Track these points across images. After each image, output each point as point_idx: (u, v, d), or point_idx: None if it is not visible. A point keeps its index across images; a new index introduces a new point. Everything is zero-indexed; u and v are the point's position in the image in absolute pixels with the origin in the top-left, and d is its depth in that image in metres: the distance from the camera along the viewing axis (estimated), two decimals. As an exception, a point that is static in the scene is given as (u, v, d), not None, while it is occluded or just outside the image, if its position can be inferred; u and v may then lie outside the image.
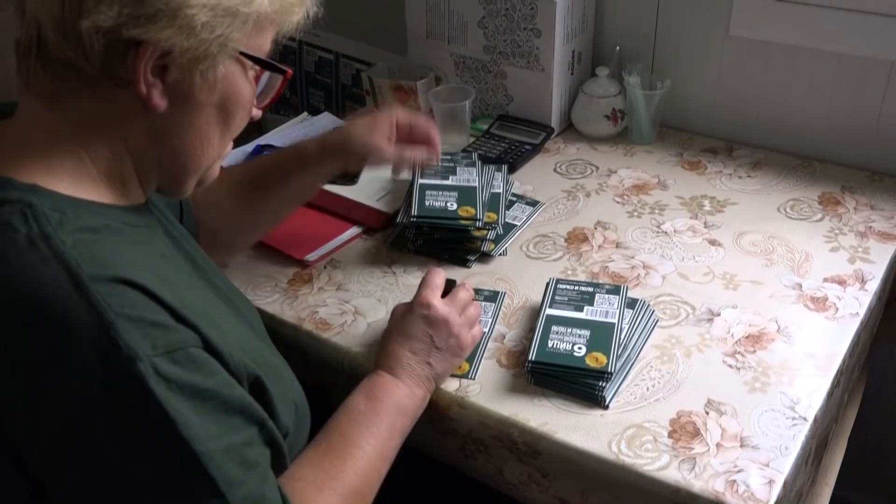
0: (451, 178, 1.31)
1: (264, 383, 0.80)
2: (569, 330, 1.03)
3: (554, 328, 1.03)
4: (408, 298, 1.15)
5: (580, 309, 1.06)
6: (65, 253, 0.67)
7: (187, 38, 0.70)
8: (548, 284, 1.11)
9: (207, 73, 0.74)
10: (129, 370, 0.65)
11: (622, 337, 1.02)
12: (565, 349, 1.00)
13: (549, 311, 1.06)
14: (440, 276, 1.04)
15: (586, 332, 1.02)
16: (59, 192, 0.72)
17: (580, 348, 0.99)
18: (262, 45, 0.79)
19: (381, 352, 1.01)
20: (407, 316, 1.01)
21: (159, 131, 0.77)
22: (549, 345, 1.00)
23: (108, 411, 0.67)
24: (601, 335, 1.01)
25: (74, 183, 0.74)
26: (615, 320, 1.03)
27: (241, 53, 0.76)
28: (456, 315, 1.00)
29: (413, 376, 0.98)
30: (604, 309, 1.05)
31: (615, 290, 1.09)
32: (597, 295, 1.08)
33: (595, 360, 0.98)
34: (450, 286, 1.06)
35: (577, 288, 1.10)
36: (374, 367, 1.00)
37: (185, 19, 0.69)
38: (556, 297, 1.08)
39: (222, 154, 0.85)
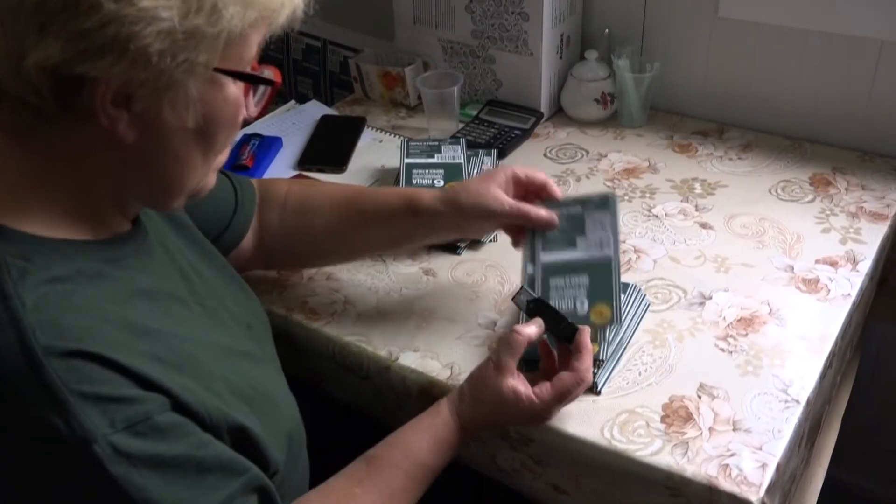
0: (436, 156, 1.31)
1: (249, 431, 0.75)
2: (567, 279, 0.98)
3: (552, 281, 0.98)
4: (397, 287, 1.15)
5: (572, 243, 1.00)
6: (22, 319, 0.62)
7: (144, 69, 0.63)
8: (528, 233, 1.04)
9: (176, 101, 0.67)
10: (83, 453, 0.61)
11: (620, 274, 0.98)
12: (568, 307, 0.96)
13: (545, 258, 1.00)
14: (575, 384, 0.90)
15: (585, 279, 0.98)
16: (29, 232, 0.67)
17: (582, 302, 0.96)
18: (245, 55, 0.70)
19: (473, 408, 0.92)
20: (518, 406, 0.90)
21: (133, 161, 0.71)
22: (551, 304, 0.96)
23: (63, 493, 0.64)
24: (601, 279, 0.97)
25: (45, 221, 0.69)
26: (611, 251, 0.98)
27: (217, 70, 0.68)
28: (555, 412, 0.92)
29: (476, 434, 0.95)
30: (597, 236, 1.00)
31: (604, 203, 1.02)
32: (587, 217, 1.01)
33: (600, 315, 0.95)
34: (568, 330, 0.94)
35: (567, 211, 1.03)
36: (456, 409, 0.92)
37: (138, 52, 0.62)
38: (549, 234, 1.02)
39: (211, 169, 0.78)
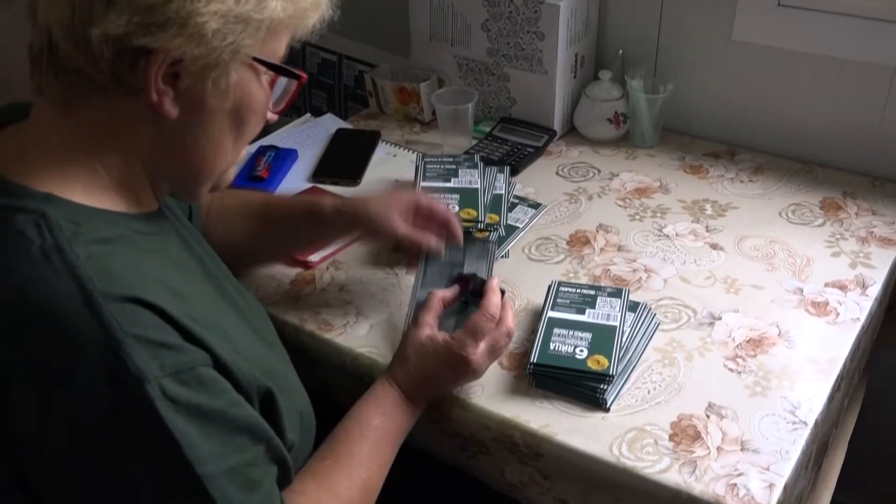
0: (452, 180, 1.31)
1: (274, 395, 0.80)
2: (570, 332, 1.03)
3: (556, 330, 1.03)
4: (409, 300, 1.16)
5: (582, 312, 1.06)
6: (78, 267, 0.66)
7: (198, 45, 0.69)
8: (550, 287, 1.12)
9: (220, 81, 0.73)
10: (136, 391, 0.65)
11: (624, 340, 1.02)
12: (567, 352, 1.00)
13: (551, 314, 1.06)
14: (483, 319, 0.98)
15: (588, 335, 1.02)
16: (73, 200, 0.72)
17: (582, 351, 1.00)
18: (277, 50, 0.77)
19: (401, 367, 0.98)
20: (437, 351, 0.97)
21: (172, 139, 0.76)
22: (551, 347, 1.01)
23: (113, 430, 0.66)
24: (603, 338, 1.01)
25: (88, 191, 0.74)
26: (617, 323, 1.04)
27: (255, 59, 0.75)
28: (486, 359, 0.98)
29: (424, 400, 0.99)
30: (605, 312, 1.06)
31: (617, 292, 1.09)
32: (598, 298, 1.08)
33: (597, 363, 0.98)
34: (478, 283, 1.06)
35: (578, 291, 1.10)
36: (389, 375, 0.99)
37: (196, 27, 0.68)
38: (558, 300, 1.09)
39: (236, 159, 0.84)
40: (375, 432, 0.94)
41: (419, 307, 1.03)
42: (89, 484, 0.68)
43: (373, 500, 0.92)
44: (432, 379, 0.98)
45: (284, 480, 0.80)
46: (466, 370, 0.97)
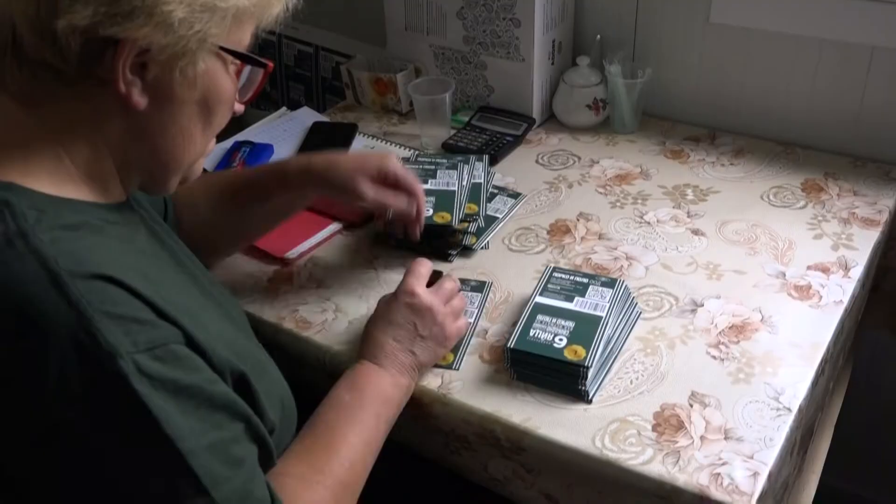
0: (430, 181, 1.27)
1: (249, 379, 0.79)
2: (553, 320, 1.01)
3: (539, 317, 1.02)
4: (390, 292, 1.14)
5: (570, 299, 1.05)
6: (42, 250, 0.66)
7: (165, 34, 0.69)
8: (544, 271, 1.10)
9: (187, 70, 0.73)
10: (109, 367, 0.65)
11: (606, 332, 1.00)
12: (546, 339, 0.99)
13: (539, 299, 1.05)
14: (426, 265, 1.04)
15: (570, 324, 1.01)
16: (38, 190, 0.71)
17: (561, 340, 0.98)
18: (242, 40, 0.78)
19: (364, 340, 1.01)
20: (391, 304, 1.01)
21: (140, 130, 0.76)
22: (531, 334, 0.99)
23: (88, 408, 0.66)
24: (586, 328, 1.00)
25: (53, 182, 0.73)
26: (602, 314, 1.02)
27: (221, 48, 0.75)
28: (441, 304, 1.01)
29: (396, 364, 0.97)
30: (594, 301, 1.04)
31: (611, 283, 1.07)
32: (591, 287, 1.07)
33: (574, 353, 0.96)
34: (435, 277, 1.06)
35: (572, 278, 1.08)
36: (357, 357, 0.99)
37: (162, 16, 0.68)
38: (549, 286, 1.07)
39: (205, 151, 0.84)
40: (349, 407, 0.93)
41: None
42: (68, 463, 0.67)
43: (360, 480, 0.90)
44: (392, 332, 0.98)
45: (266, 461, 0.79)
46: (421, 306, 0.99)
